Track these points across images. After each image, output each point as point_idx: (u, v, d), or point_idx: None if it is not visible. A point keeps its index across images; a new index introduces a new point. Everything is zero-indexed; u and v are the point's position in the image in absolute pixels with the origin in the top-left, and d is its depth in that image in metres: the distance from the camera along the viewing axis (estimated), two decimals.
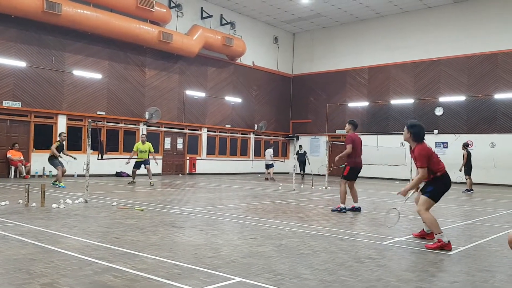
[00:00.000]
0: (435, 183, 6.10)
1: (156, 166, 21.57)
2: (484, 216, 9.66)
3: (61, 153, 14.37)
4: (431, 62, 24.37)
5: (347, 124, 10.20)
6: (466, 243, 6.41)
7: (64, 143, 14.69)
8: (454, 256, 5.54)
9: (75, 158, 14.80)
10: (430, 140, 23.25)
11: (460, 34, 23.38)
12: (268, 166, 21.97)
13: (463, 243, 6.41)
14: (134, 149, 16.17)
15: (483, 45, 22.67)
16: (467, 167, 16.65)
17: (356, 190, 9.83)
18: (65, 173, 14.65)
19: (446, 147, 23.44)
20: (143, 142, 16.03)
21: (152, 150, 16.18)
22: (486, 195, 15.69)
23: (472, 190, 16.43)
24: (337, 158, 9.92)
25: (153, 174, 16.61)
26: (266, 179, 21.56)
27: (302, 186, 17.41)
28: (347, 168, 9.70)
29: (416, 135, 6.24)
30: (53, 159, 14.16)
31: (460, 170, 16.79)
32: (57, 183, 13.87)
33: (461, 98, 23.31)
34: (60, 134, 14.76)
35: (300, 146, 25.02)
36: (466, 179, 16.62)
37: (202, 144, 24.89)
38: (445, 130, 23.66)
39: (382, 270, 4.74)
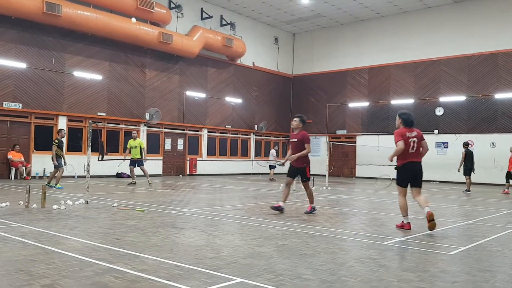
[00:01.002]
0: (398, 173, 7.44)
1: (153, 165, 21.67)
2: (485, 216, 9.66)
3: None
4: (431, 62, 24.38)
5: (297, 119, 9.21)
6: (467, 243, 6.41)
7: (64, 140, 14.47)
8: (455, 256, 5.53)
9: (65, 164, 14.28)
10: (431, 140, 23.24)
11: (460, 34, 23.39)
12: (270, 167, 22.37)
13: (464, 243, 6.40)
14: (128, 145, 16.45)
15: (483, 45, 22.67)
16: (466, 167, 16.53)
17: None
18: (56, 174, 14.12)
19: (447, 147, 23.44)
20: (134, 139, 16.21)
21: (143, 146, 16.34)
22: (487, 195, 15.68)
23: (469, 191, 16.34)
24: (294, 156, 9.07)
25: (154, 175, 16.64)
26: (271, 179, 21.95)
27: (302, 187, 17.38)
28: (308, 168, 9.24)
29: (406, 121, 7.46)
30: (58, 159, 13.84)
31: (459, 170, 16.76)
32: (51, 184, 13.74)
33: (461, 98, 23.32)
34: (59, 131, 14.41)
35: None
36: (466, 179, 16.58)
37: (203, 145, 24.89)
38: (445, 130, 23.67)
39: (383, 270, 4.74)
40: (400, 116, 7.58)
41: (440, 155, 23.31)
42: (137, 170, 16.53)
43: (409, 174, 7.31)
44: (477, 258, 5.43)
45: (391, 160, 7.50)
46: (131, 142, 16.25)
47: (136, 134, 16.64)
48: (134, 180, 16.16)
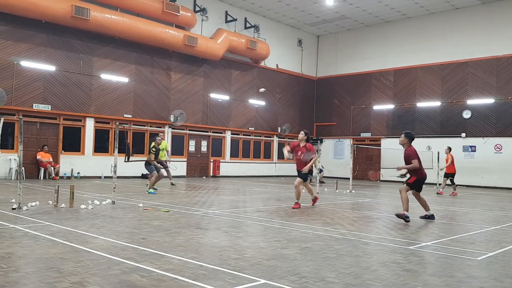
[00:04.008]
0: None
1: (177, 166, 21.87)
2: None
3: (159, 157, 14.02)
4: (458, 64, 23.94)
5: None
6: (494, 248, 6.28)
7: (160, 147, 14.05)
8: (482, 262, 5.44)
9: (168, 164, 14.50)
10: (458, 143, 22.83)
11: (488, 36, 22.90)
12: None
13: (492, 248, 6.28)
14: (160, 147, 16.20)
15: None
16: None
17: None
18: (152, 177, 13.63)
19: (474, 151, 22.94)
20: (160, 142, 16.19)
21: (168, 149, 16.33)
22: None
23: None
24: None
25: (178, 176, 16.78)
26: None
27: (326, 189, 17.32)
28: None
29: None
30: (147, 165, 13.75)
31: None
32: (150, 190, 13.43)
33: (489, 100, 22.81)
34: (155, 139, 14.14)
35: None
36: None
37: (226, 146, 25.03)
38: (473, 134, 23.18)
39: (408, 274, 4.70)
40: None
41: (468, 159, 22.85)
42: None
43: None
44: (505, 264, 5.32)
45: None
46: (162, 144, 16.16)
47: (161, 138, 16.63)
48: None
